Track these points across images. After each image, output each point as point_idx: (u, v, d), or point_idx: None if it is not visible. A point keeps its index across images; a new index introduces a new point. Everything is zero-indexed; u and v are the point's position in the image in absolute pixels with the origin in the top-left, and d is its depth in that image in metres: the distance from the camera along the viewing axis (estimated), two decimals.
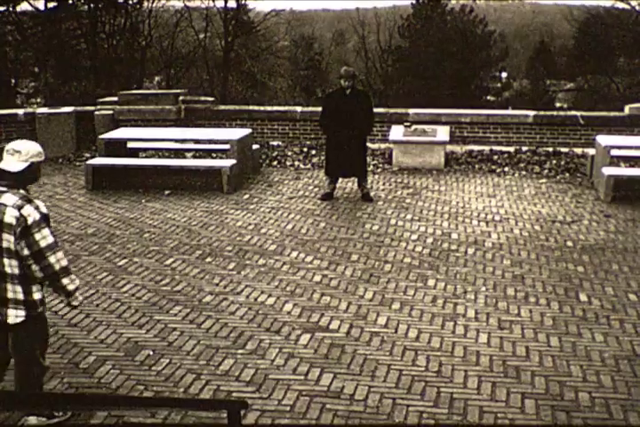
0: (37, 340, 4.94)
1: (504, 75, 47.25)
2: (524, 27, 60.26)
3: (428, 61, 37.71)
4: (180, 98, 14.42)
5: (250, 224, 9.27)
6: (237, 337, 6.28)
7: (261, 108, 14.98)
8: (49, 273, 4.70)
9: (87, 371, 5.74)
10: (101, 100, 14.73)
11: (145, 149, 12.63)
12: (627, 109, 13.30)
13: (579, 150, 12.83)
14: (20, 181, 4.75)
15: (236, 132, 11.77)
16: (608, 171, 10.47)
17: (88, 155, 13.05)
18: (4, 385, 5.24)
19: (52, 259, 4.68)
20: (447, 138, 12.47)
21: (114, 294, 7.17)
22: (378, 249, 8.40)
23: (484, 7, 47.88)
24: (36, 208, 4.67)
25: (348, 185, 11.05)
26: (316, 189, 10.91)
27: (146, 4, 32.68)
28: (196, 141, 12.25)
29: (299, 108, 14.30)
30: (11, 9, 28.28)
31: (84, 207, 10.15)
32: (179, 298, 7.06)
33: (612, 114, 13.57)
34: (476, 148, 13.21)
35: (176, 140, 12.19)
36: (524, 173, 12.01)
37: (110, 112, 13.70)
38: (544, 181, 11.51)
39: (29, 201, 4.68)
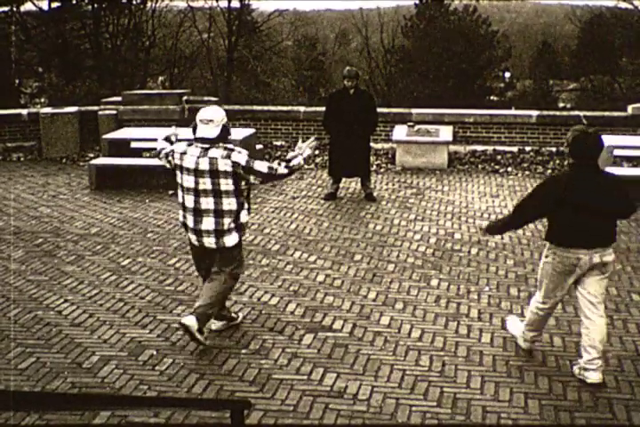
0: (240, 258, 6.20)
1: (507, 75, 47.15)
2: (528, 27, 60.19)
3: (432, 61, 37.66)
4: (184, 98, 14.42)
5: (253, 224, 9.27)
6: (241, 337, 6.29)
7: (265, 108, 14.98)
8: (287, 175, 6.02)
9: (91, 371, 5.75)
10: (105, 100, 14.73)
11: (148, 149, 12.63)
12: (630, 109, 13.28)
13: None
14: (218, 140, 5.84)
15: (240, 132, 11.76)
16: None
17: (92, 155, 13.07)
18: None
19: (280, 170, 5.91)
20: (450, 138, 12.47)
21: (117, 293, 7.18)
22: (381, 249, 8.40)
23: (487, 7, 47.83)
24: (239, 152, 5.83)
25: (351, 185, 11.05)
26: (320, 189, 10.91)
27: (149, 4, 32.74)
28: None
29: (302, 108, 14.30)
30: (14, 9, 28.31)
31: (88, 207, 10.16)
32: (182, 298, 7.07)
33: (615, 114, 13.54)
34: (479, 148, 13.20)
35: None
36: (527, 173, 12.00)
37: (114, 112, 13.70)
38: None
39: (231, 150, 5.82)
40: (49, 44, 27.78)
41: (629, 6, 36.62)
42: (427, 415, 5.17)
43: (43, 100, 27.45)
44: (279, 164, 5.99)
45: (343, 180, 10.75)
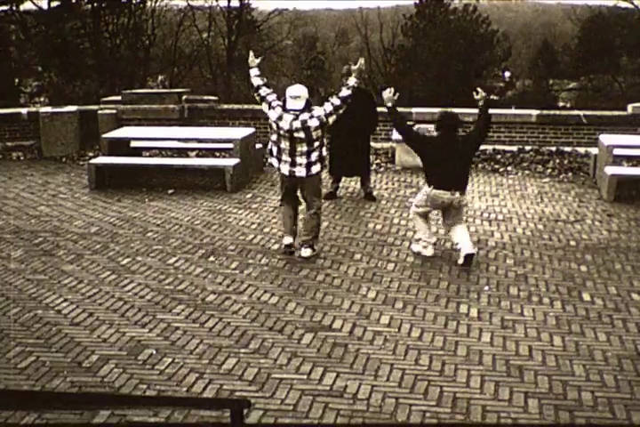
0: (321, 186, 8.39)
1: (507, 74, 47.14)
2: (528, 26, 60.18)
3: (431, 61, 37.67)
4: (184, 97, 14.42)
5: (253, 223, 9.27)
6: (240, 336, 6.29)
7: None
8: (342, 105, 7.83)
9: (90, 370, 5.75)
10: (105, 99, 14.73)
11: (148, 149, 12.63)
12: (630, 109, 13.27)
13: (582, 150, 12.81)
14: (304, 110, 7.67)
15: (240, 132, 11.77)
16: (611, 170, 10.46)
17: (91, 154, 13.06)
18: None
19: (335, 103, 7.80)
20: None
21: (117, 293, 7.18)
22: (381, 248, 8.40)
23: (487, 6, 47.81)
24: (318, 111, 7.74)
25: (351, 184, 11.05)
26: None
27: (149, 3, 32.74)
28: (200, 141, 12.25)
29: None
30: (14, 8, 28.31)
31: (88, 206, 10.15)
32: (182, 297, 7.07)
33: (615, 113, 13.53)
34: None
35: (179, 140, 12.19)
36: (527, 172, 12.00)
37: (113, 111, 13.70)
38: (547, 180, 11.50)
39: (312, 110, 7.71)
40: (49, 44, 27.72)
41: (629, 6, 36.64)
42: (426, 415, 5.17)
43: (42, 99, 27.42)
44: (334, 95, 7.85)
45: (343, 179, 10.74)
